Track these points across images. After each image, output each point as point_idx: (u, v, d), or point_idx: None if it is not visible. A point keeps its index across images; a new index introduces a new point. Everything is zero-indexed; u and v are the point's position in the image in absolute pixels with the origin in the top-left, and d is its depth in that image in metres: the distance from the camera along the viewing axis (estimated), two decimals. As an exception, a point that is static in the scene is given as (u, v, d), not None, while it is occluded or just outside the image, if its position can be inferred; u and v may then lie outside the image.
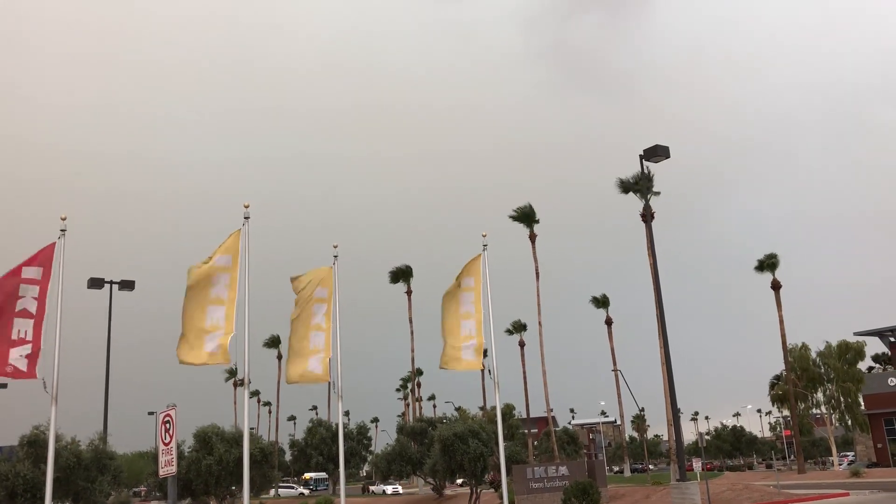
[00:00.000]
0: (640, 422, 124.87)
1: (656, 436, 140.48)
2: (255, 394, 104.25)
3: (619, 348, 65.80)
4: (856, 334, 67.48)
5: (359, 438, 68.58)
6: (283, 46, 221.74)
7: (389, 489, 62.52)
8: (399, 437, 49.71)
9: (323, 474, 70.33)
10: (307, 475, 74.16)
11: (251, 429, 59.40)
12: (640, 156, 27.27)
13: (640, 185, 38.52)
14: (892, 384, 64.79)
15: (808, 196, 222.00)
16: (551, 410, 59.04)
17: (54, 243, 15.35)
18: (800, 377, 61.63)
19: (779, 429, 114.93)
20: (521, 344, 68.56)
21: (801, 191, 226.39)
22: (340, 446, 19.40)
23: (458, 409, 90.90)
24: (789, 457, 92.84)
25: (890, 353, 72.12)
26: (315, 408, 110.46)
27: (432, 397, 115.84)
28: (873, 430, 65.41)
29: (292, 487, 69.87)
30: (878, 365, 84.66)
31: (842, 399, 63.27)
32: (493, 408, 24.87)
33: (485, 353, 21.49)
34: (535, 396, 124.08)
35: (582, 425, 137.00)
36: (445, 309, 20.20)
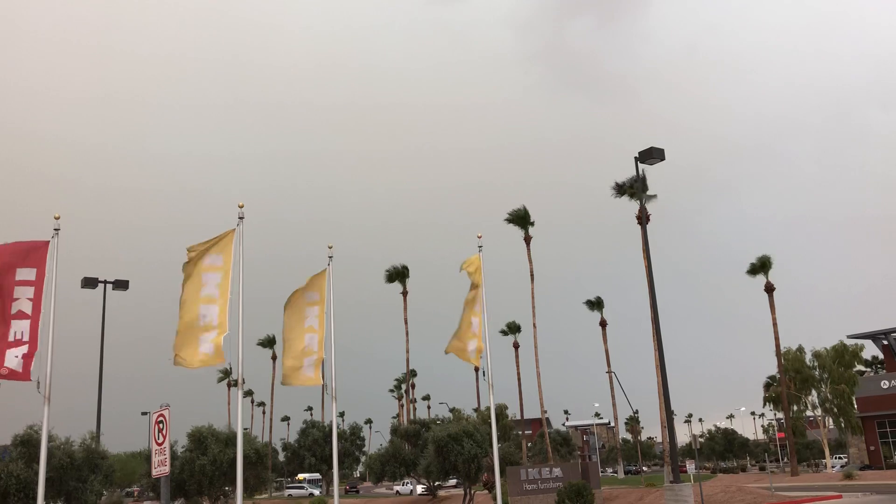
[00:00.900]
0: (633, 423, 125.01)
1: (650, 438, 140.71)
2: (248, 394, 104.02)
3: (613, 350, 66.03)
4: (849, 337, 67.70)
5: (352, 439, 68.62)
6: (278, 45, 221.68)
7: (405, 488, 61.77)
8: (393, 438, 49.70)
9: (317, 475, 70.33)
10: (301, 476, 74.14)
11: (245, 429, 59.55)
12: (636, 158, 27.32)
13: (634, 188, 38.59)
14: (885, 387, 65.02)
15: (801, 198, 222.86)
16: (545, 412, 59.06)
17: (48, 242, 15.31)
18: (794, 379, 61.78)
19: (772, 431, 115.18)
20: (516, 345, 68.59)
21: (795, 193, 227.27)
22: (334, 447, 19.38)
23: (452, 410, 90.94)
24: (782, 459, 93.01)
25: (883, 356, 72.36)
26: (311, 408, 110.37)
27: (427, 398, 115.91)
28: (866, 432, 65.63)
29: (302, 487, 69.85)
30: (869, 368, 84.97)
31: (836, 401, 63.45)
32: (488, 409, 24.91)
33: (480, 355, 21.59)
34: (530, 398, 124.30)
35: (576, 427, 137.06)
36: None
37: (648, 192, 40.90)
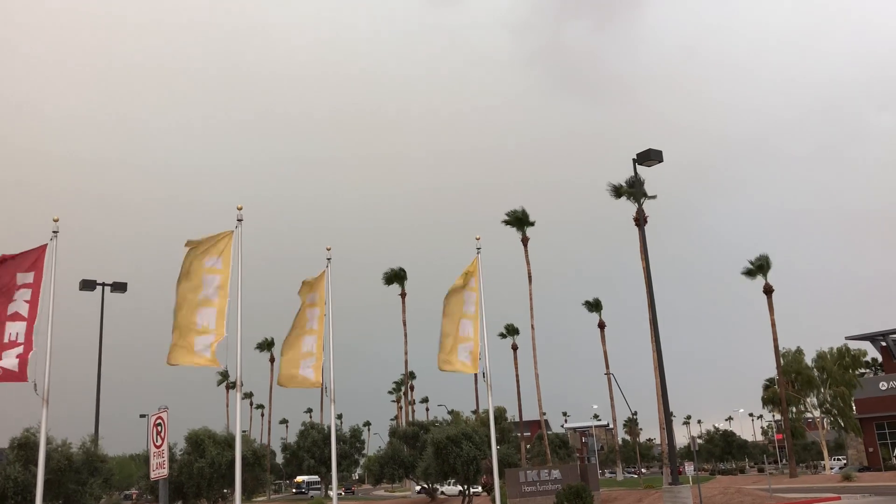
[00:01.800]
0: (632, 425, 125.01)
1: (649, 439, 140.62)
2: (247, 396, 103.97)
3: (612, 351, 66.23)
4: (847, 339, 67.78)
5: (351, 441, 68.53)
6: (274, 50, 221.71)
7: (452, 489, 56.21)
8: (392, 440, 49.68)
9: (315, 477, 70.19)
10: (300, 478, 74.03)
11: (244, 431, 59.40)
12: (634, 160, 27.33)
13: (633, 190, 38.62)
14: (884, 388, 65.04)
15: (800, 197, 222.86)
16: (544, 414, 59.06)
17: (46, 245, 15.29)
18: (794, 381, 61.80)
19: (771, 433, 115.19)
20: (514, 347, 68.62)
21: (794, 192, 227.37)
22: (333, 450, 19.35)
23: (451, 412, 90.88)
24: (781, 461, 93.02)
25: (882, 358, 72.40)
26: (310, 410, 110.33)
27: (425, 400, 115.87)
28: (865, 434, 65.66)
29: (318, 489, 69.58)
30: (868, 370, 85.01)
31: (835, 403, 63.50)
32: (486, 411, 24.91)
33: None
34: (528, 400, 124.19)
35: (575, 429, 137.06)
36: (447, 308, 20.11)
37: (647, 194, 40.97)
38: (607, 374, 64.55)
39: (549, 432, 77.22)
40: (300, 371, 18.05)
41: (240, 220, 16.85)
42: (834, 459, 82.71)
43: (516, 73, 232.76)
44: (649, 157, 26.57)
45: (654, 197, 41.97)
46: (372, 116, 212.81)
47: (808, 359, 64.40)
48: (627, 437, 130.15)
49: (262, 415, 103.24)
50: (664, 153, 26.83)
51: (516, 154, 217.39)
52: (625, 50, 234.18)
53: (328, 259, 19.32)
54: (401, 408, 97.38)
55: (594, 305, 67.74)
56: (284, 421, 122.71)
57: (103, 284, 38.65)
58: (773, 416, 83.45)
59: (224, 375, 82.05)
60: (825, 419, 67.60)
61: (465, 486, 36.29)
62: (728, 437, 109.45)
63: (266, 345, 76.20)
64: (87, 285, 38.23)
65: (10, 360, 14.23)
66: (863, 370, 73.46)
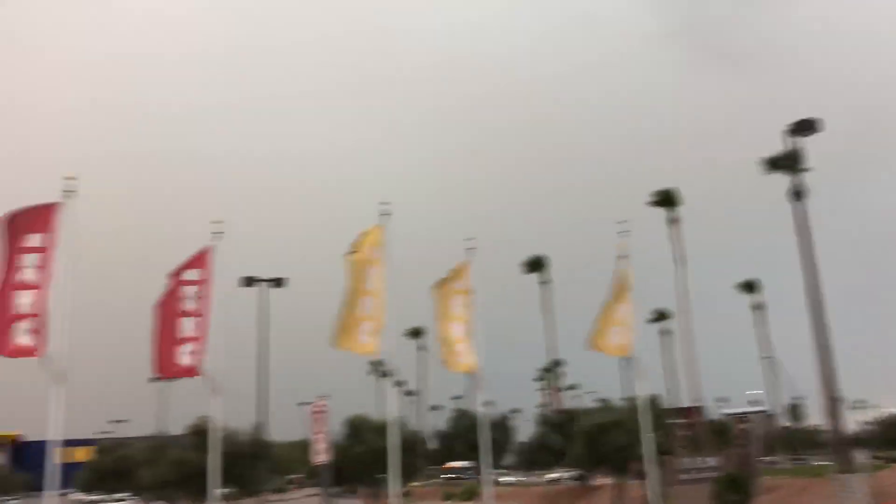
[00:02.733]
0: (795, 410, 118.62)
1: (815, 425, 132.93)
2: (400, 384, 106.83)
3: (772, 334, 62.93)
4: None
5: (503, 429, 68.87)
6: (418, 51, 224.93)
7: None
8: (540, 427, 49.59)
9: (469, 463, 71.04)
10: (451, 464, 75.17)
11: (398, 417, 60.68)
12: (788, 129, 25.82)
13: (788, 161, 36.49)
14: None
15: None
16: (700, 400, 57.10)
17: (210, 246, 16.32)
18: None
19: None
20: (665, 332, 66.84)
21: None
22: (484, 436, 19.54)
23: (600, 400, 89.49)
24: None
25: None
26: (459, 397, 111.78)
27: (573, 387, 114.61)
28: None
29: (470, 475, 70.41)
30: None
31: None
32: (637, 398, 24.43)
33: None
34: (683, 386, 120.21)
35: (732, 414, 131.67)
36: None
37: (804, 166, 38.53)
38: (767, 357, 61.57)
39: (704, 419, 74.65)
40: (456, 354, 18.31)
41: (388, 214, 17.41)
42: None
43: (658, 50, 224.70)
44: (806, 126, 25.04)
45: (812, 169, 39.41)
46: (522, 107, 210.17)
47: None
48: (790, 423, 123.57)
49: (413, 401, 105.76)
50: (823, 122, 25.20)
51: (656, 135, 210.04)
52: (775, 20, 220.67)
53: (471, 248, 19.52)
54: (547, 394, 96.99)
55: (750, 286, 64.79)
56: (436, 407, 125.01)
57: (264, 280, 40.75)
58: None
59: (376, 363, 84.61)
60: None
61: (618, 475, 35.68)
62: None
63: (415, 332, 77.96)
64: (248, 282, 40.45)
65: (186, 356, 15.29)
66: None
